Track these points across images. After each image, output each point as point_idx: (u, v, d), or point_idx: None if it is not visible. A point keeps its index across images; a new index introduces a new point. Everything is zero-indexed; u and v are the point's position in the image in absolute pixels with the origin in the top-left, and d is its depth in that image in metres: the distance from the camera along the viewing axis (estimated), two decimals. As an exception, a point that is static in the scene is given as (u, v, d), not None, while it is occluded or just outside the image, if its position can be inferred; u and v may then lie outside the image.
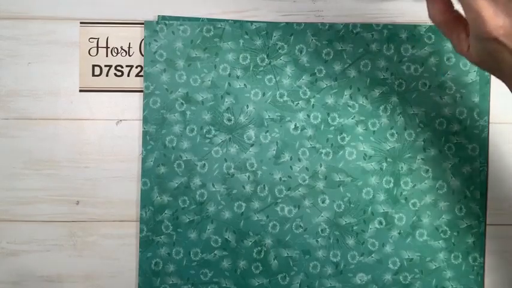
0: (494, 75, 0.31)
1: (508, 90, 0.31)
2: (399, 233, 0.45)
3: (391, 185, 0.45)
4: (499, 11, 0.27)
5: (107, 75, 0.45)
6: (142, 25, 0.45)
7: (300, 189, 0.45)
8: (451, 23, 0.31)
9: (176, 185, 0.45)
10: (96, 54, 0.45)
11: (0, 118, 0.45)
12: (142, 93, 0.45)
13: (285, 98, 0.45)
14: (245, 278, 0.45)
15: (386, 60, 0.45)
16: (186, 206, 0.45)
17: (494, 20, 0.27)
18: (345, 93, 0.45)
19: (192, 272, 0.45)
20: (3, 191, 0.45)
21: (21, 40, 0.45)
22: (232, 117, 0.45)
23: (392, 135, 0.45)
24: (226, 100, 0.45)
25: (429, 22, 0.46)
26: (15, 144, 0.45)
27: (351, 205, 0.45)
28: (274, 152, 0.45)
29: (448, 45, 0.45)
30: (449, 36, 0.32)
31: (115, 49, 0.45)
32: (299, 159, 0.45)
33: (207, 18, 0.45)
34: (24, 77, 0.45)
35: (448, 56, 0.45)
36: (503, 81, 0.30)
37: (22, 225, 0.45)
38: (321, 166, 0.45)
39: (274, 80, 0.45)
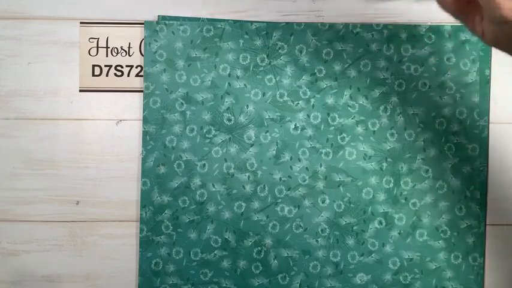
0: (510, 54, 0.31)
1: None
2: (399, 233, 0.45)
3: (391, 185, 0.45)
4: None
5: (107, 75, 0.45)
6: (142, 25, 0.45)
7: (300, 189, 0.45)
8: (464, 9, 0.30)
9: (176, 185, 0.45)
10: (96, 54, 0.45)
11: (0, 118, 0.45)
12: (142, 93, 0.45)
13: (285, 98, 0.45)
14: (245, 278, 0.45)
15: (387, 60, 0.45)
16: (186, 206, 0.45)
17: (507, 3, 0.26)
18: (345, 93, 0.45)
19: (192, 272, 0.45)
20: (3, 191, 0.45)
21: (21, 40, 0.45)
22: (232, 117, 0.45)
23: (392, 135, 0.45)
24: (226, 100, 0.45)
25: (429, 22, 0.46)
26: (15, 144, 0.45)
27: (351, 205, 0.45)
28: (274, 152, 0.45)
29: (448, 45, 0.45)
30: (465, 22, 0.32)
31: (115, 49, 0.45)
32: (299, 159, 0.45)
33: (207, 18, 0.45)
34: (24, 77, 0.45)
35: (448, 56, 0.45)
36: None
37: (22, 225, 0.45)
38: (321, 166, 0.45)
39: (274, 80, 0.45)
